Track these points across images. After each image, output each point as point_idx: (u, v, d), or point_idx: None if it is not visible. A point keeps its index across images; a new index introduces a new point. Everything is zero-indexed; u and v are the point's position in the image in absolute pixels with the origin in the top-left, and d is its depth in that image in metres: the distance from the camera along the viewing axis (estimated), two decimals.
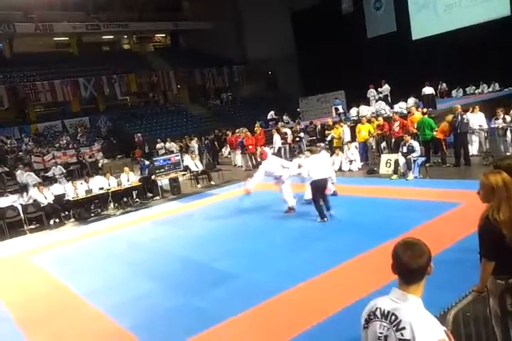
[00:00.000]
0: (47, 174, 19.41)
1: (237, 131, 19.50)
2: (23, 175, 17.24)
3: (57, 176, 18.21)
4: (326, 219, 8.42)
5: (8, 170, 19.94)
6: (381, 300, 2.13)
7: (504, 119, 11.88)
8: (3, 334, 5.87)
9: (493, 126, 12.29)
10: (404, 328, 1.97)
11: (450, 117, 12.02)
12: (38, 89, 29.22)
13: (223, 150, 22.18)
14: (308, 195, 9.46)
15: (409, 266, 2.06)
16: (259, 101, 33.82)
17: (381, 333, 2.04)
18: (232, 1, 36.47)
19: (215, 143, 21.67)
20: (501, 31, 19.58)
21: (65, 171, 19.42)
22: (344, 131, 14.86)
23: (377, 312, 2.07)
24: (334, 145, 15.08)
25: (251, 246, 7.81)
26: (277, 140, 16.79)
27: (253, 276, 6.44)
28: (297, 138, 16.61)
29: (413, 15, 25.60)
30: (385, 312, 2.05)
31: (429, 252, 2.10)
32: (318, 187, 8.47)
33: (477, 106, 12.76)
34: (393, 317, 2.01)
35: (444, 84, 23.25)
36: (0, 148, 24.77)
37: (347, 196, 10.49)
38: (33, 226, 12.60)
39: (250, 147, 16.78)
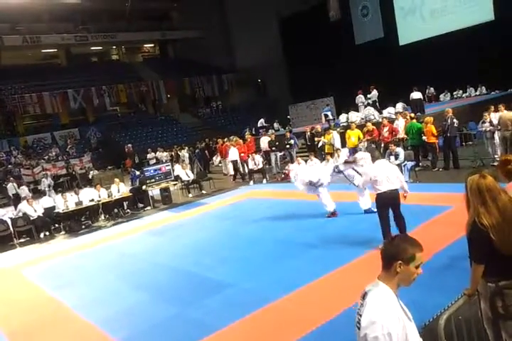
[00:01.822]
0: (39, 187, 19.27)
1: (225, 139, 19.47)
2: (17, 189, 17.11)
3: (45, 188, 18.05)
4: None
5: None
6: (370, 284, 2.32)
7: (491, 122, 11.97)
8: None
9: (480, 129, 12.39)
10: (362, 306, 2.18)
11: (430, 119, 12.13)
12: (27, 101, 29.11)
13: (214, 158, 22.13)
14: (364, 204, 8.92)
15: (382, 251, 2.27)
16: (249, 109, 33.92)
17: (358, 309, 2.23)
18: (220, 9, 36.70)
19: (206, 151, 21.63)
20: (486, 35, 19.82)
21: (52, 184, 19.26)
22: (334, 137, 14.92)
23: (362, 293, 2.28)
24: (326, 151, 15.11)
25: (243, 254, 7.78)
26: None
27: (245, 285, 6.40)
28: (287, 146, 16.60)
29: (399, 21, 25.85)
30: (363, 292, 2.26)
31: (405, 250, 2.20)
32: (385, 202, 6.81)
33: (501, 105, 11.75)
34: (364, 297, 2.22)
35: (432, 89, 23.46)
36: None
37: (335, 202, 10.49)
38: (23, 240, 12.50)
39: (242, 155, 16.76)
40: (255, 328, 5.07)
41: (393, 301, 2.16)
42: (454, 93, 23.05)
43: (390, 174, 6.74)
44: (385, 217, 6.72)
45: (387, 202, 6.73)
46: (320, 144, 15.93)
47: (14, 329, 6.34)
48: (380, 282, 2.22)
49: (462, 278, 3.44)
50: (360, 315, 2.15)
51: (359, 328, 2.13)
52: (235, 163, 17.34)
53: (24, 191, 17.03)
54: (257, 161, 15.89)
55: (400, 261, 2.17)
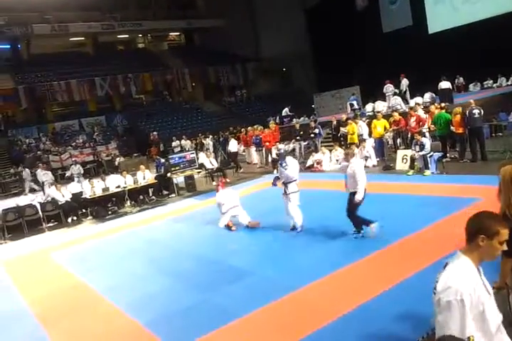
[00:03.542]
0: (66, 174, 19.64)
1: (249, 128, 19.49)
2: (41, 174, 17.48)
3: (75, 175, 18.36)
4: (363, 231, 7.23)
5: (26, 169, 20.23)
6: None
7: None
8: (26, 331, 5.97)
9: (511, 120, 12.06)
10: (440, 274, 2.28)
11: (458, 110, 11.87)
12: (55, 89, 29.68)
13: (238, 147, 22.17)
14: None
15: (467, 225, 2.32)
16: (274, 98, 33.77)
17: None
18: None
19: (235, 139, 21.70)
20: None
21: (82, 171, 19.61)
22: (362, 127, 14.70)
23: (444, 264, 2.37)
24: (348, 141, 14.97)
25: (266, 243, 7.80)
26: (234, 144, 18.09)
27: (268, 273, 6.44)
28: (312, 135, 16.49)
29: (429, 9, 25.23)
30: (445, 263, 2.35)
31: (490, 225, 2.22)
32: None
33: None
34: (445, 267, 2.31)
35: (461, 78, 22.88)
36: (19, 147, 25.19)
37: None
38: (51, 224, 12.79)
39: (267, 144, 16.76)
40: (276, 316, 5.10)
41: (472, 272, 2.21)
42: (485, 83, 22.45)
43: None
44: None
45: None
46: (340, 134, 15.83)
47: (43, 311, 6.51)
48: (462, 254, 2.27)
49: (490, 271, 3.37)
50: (436, 281, 2.24)
51: (434, 293, 2.22)
52: (234, 154, 17.67)
53: (48, 175, 17.32)
54: (280, 149, 15.82)
55: (483, 235, 2.20)
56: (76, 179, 17.48)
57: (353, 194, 7.03)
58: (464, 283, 2.11)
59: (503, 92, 17.88)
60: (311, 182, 10.16)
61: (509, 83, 21.21)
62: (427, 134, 12.81)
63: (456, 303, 2.07)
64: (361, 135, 14.53)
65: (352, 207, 7.09)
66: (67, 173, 19.42)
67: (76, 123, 30.37)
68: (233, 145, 18.13)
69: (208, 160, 15.70)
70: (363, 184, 6.92)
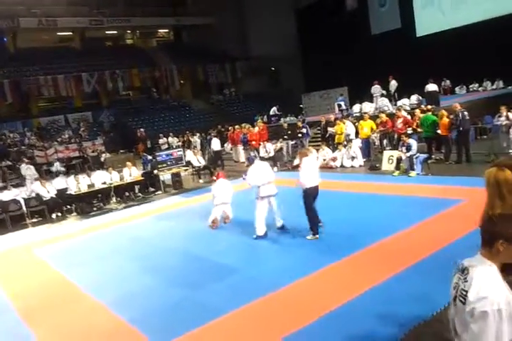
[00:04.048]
0: (51, 169, 19.43)
1: (236, 126, 19.51)
2: (24, 168, 17.28)
3: (56, 171, 18.11)
4: (317, 236, 7.36)
5: (11, 163, 19.99)
6: (467, 259, 2.36)
7: (507, 117, 11.84)
8: (8, 325, 5.94)
9: (496, 123, 12.27)
10: (467, 281, 2.20)
11: (445, 113, 12.03)
12: (41, 83, 29.31)
13: (225, 145, 22.18)
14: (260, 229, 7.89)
15: (482, 229, 2.27)
16: (262, 97, 33.78)
17: (456, 283, 2.30)
18: None
19: (218, 138, 21.68)
20: (507, 28, 19.47)
21: (63, 169, 19.35)
22: (349, 127, 14.81)
23: (460, 267, 2.33)
24: (336, 141, 15.08)
25: (252, 241, 7.80)
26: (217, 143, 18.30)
27: (253, 271, 6.47)
28: (299, 134, 16.56)
29: (417, 12, 25.45)
30: (462, 267, 2.31)
31: (507, 228, 2.15)
32: (313, 196, 7.39)
33: None
34: (466, 272, 2.24)
35: (448, 81, 23.15)
36: (3, 142, 24.86)
37: (347, 192, 10.51)
38: (35, 220, 12.67)
39: (254, 142, 16.79)
40: (261, 314, 5.13)
41: (500, 279, 2.15)
42: (470, 86, 22.74)
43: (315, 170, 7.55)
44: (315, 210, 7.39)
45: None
46: (328, 134, 15.92)
47: (25, 307, 6.47)
48: (485, 259, 2.21)
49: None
50: (465, 291, 2.16)
51: (463, 303, 2.15)
52: (217, 153, 17.82)
53: (30, 170, 17.10)
54: (268, 149, 15.88)
55: (501, 240, 2.13)
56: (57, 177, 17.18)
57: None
58: (500, 292, 2.06)
59: (488, 96, 18.14)
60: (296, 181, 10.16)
61: (494, 87, 21.52)
62: (414, 136, 12.95)
63: (492, 314, 2.02)
64: (348, 135, 14.65)
65: (305, 204, 7.37)
66: (53, 168, 19.21)
67: (62, 118, 30.06)
68: (216, 144, 18.21)
69: (195, 157, 15.68)
70: (304, 181, 7.27)
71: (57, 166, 18.97)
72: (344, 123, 15.11)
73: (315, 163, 8.07)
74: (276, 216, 7.98)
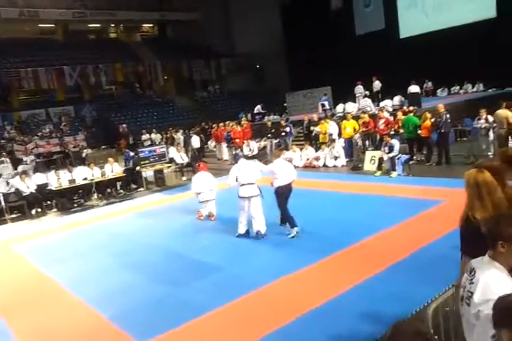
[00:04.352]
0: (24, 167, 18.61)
1: (220, 124, 19.49)
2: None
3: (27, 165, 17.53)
4: (296, 228, 7.50)
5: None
6: (475, 259, 2.39)
7: (487, 119, 12.06)
8: None
9: (475, 125, 12.49)
10: (473, 283, 2.23)
11: (428, 115, 12.22)
12: (22, 76, 28.74)
13: (209, 143, 22.13)
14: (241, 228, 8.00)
15: (486, 230, 2.30)
16: (246, 94, 33.74)
17: (464, 283, 2.34)
18: None
19: (201, 135, 21.61)
20: (488, 32, 19.81)
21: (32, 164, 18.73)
22: (331, 126, 14.95)
23: (468, 268, 2.37)
24: (320, 140, 15.19)
25: (234, 239, 7.83)
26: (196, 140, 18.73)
27: (236, 269, 6.51)
28: (283, 133, 16.62)
29: (401, 14, 25.73)
30: (470, 268, 2.34)
31: (506, 230, 2.16)
32: (285, 194, 7.64)
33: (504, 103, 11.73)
34: (473, 273, 2.27)
35: (430, 83, 23.47)
36: None
37: (330, 192, 10.61)
38: (14, 216, 12.46)
39: (237, 140, 16.79)
40: (244, 311, 5.17)
41: (507, 280, 2.16)
42: (452, 88, 23.08)
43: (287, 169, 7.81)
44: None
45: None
46: (314, 133, 16.01)
47: (4, 303, 6.40)
48: (492, 260, 2.22)
49: (451, 271, 3.52)
50: (471, 292, 2.17)
51: (468, 304, 2.16)
52: (196, 150, 18.13)
53: (8, 168, 16.78)
54: (251, 147, 15.91)
55: (501, 241, 2.16)
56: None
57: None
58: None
59: (469, 98, 18.43)
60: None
61: (474, 89, 21.88)
62: (397, 136, 13.10)
63: None
64: (331, 135, 14.75)
65: (278, 202, 7.61)
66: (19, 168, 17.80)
67: (43, 112, 29.56)
68: (196, 142, 18.30)
69: (179, 154, 15.62)
70: (274, 180, 7.62)
71: (27, 161, 18.16)
72: (328, 122, 15.22)
73: (286, 163, 8.24)
74: (253, 219, 7.73)
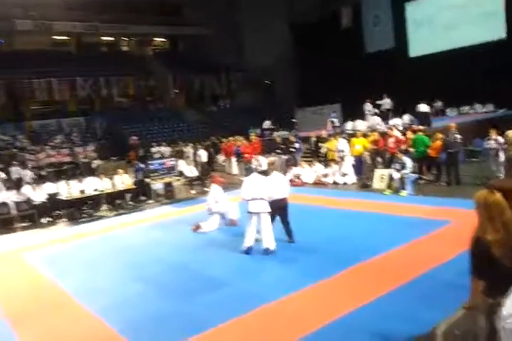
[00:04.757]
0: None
1: (230, 138, 19.63)
2: (20, 171, 17.12)
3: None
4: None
5: (1, 166, 19.80)
6: None
7: (496, 140, 12.08)
8: None
9: (485, 146, 12.51)
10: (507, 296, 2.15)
11: (439, 136, 12.29)
12: (35, 86, 29.20)
13: (218, 157, 22.26)
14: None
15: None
16: (256, 109, 33.96)
17: None
18: (232, 8, 36.75)
19: (212, 149, 21.76)
20: (497, 53, 19.94)
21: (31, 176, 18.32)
22: (341, 143, 14.89)
23: None
24: (329, 157, 15.23)
25: (242, 254, 7.84)
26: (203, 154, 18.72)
27: (243, 284, 6.51)
28: (292, 149, 16.72)
29: (411, 33, 25.97)
30: None
31: None
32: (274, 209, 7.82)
33: None
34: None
35: (440, 103, 23.50)
36: None
37: (338, 209, 10.65)
38: (24, 224, 12.57)
39: (247, 155, 16.90)
40: (249, 328, 5.17)
41: None
42: (461, 108, 23.13)
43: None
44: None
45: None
46: (322, 150, 16.08)
47: (11, 311, 6.44)
48: None
49: (461, 294, 3.55)
50: (503, 306, 2.22)
51: (499, 317, 2.23)
52: (203, 164, 18.13)
53: (27, 175, 16.99)
54: (260, 162, 16.00)
55: None
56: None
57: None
58: None
59: (479, 119, 18.48)
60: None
61: (484, 110, 21.92)
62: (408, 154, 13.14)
63: None
64: (342, 151, 14.64)
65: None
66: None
67: (54, 122, 29.92)
68: (203, 156, 18.59)
69: (188, 168, 15.74)
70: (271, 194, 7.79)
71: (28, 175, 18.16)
72: (337, 139, 15.29)
73: (281, 178, 8.41)
74: (262, 236, 7.71)
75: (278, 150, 17.07)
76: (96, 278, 7.52)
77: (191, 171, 15.66)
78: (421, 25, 25.51)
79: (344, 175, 13.97)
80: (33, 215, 12.54)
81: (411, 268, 6.32)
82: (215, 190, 9.79)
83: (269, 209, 7.71)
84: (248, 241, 7.82)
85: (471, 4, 22.98)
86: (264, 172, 13.30)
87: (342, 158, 14.30)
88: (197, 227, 9.79)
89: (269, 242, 7.67)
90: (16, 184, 16.42)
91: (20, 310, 6.48)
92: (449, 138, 11.91)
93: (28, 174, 17.22)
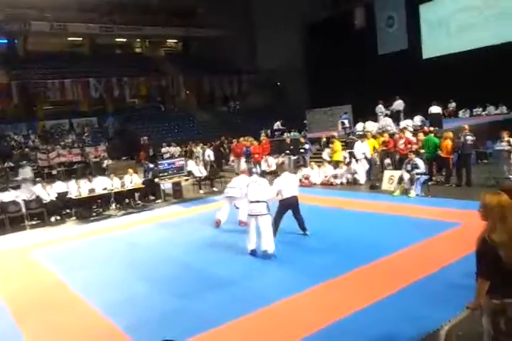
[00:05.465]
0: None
1: (241, 139, 19.62)
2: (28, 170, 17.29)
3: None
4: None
5: (13, 165, 20.04)
6: None
7: (508, 142, 11.93)
8: (0, 326, 5.94)
9: (497, 148, 12.35)
10: None
11: (450, 135, 12.14)
12: (48, 87, 29.52)
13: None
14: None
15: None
16: (266, 111, 33.94)
17: None
18: (245, 10, 36.85)
19: (221, 149, 21.77)
20: (511, 55, 19.72)
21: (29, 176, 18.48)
22: (359, 146, 14.60)
23: None
24: (334, 159, 15.06)
25: (248, 255, 7.76)
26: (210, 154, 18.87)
27: (250, 283, 6.49)
28: (301, 150, 16.66)
29: (425, 34, 25.82)
30: None
31: None
32: (286, 206, 8.22)
33: None
34: None
35: (454, 104, 23.25)
36: (7, 143, 24.97)
37: (346, 210, 10.57)
38: (34, 222, 12.67)
39: (256, 156, 16.88)
40: (254, 327, 5.15)
41: None
42: (474, 110, 22.88)
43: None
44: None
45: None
46: (324, 156, 15.97)
47: (19, 308, 6.48)
48: None
49: (466, 294, 3.48)
50: None
51: None
52: (210, 163, 18.18)
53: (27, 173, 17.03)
54: (270, 163, 15.98)
55: None
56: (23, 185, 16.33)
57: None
58: None
59: (491, 121, 18.25)
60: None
61: (497, 111, 21.66)
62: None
63: None
64: (363, 153, 14.28)
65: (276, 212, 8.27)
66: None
67: (67, 122, 30.24)
68: (210, 156, 18.71)
69: (197, 168, 15.76)
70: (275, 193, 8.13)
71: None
72: (339, 141, 15.12)
73: (291, 177, 8.75)
74: (261, 238, 7.56)
75: (287, 151, 17.01)
76: (103, 275, 7.54)
77: (200, 171, 15.67)
78: (435, 27, 25.35)
79: (353, 176, 13.86)
80: (43, 213, 12.62)
81: (418, 269, 6.25)
82: (242, 178, 9.76)
83: (268, 211, 7.60)
84: (251, 245, 7.75)
85: (485, 6, 22.78)
86: (272, 173, 13.36)
87: (356, 160, 14.14)
88: (218, 222, 9.87)
89: (268, 244, 7.52)
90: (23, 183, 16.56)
91: (26, 307, 6.52)
92: (461, 139, 11.76)
93: (29, 174, 17.26)
